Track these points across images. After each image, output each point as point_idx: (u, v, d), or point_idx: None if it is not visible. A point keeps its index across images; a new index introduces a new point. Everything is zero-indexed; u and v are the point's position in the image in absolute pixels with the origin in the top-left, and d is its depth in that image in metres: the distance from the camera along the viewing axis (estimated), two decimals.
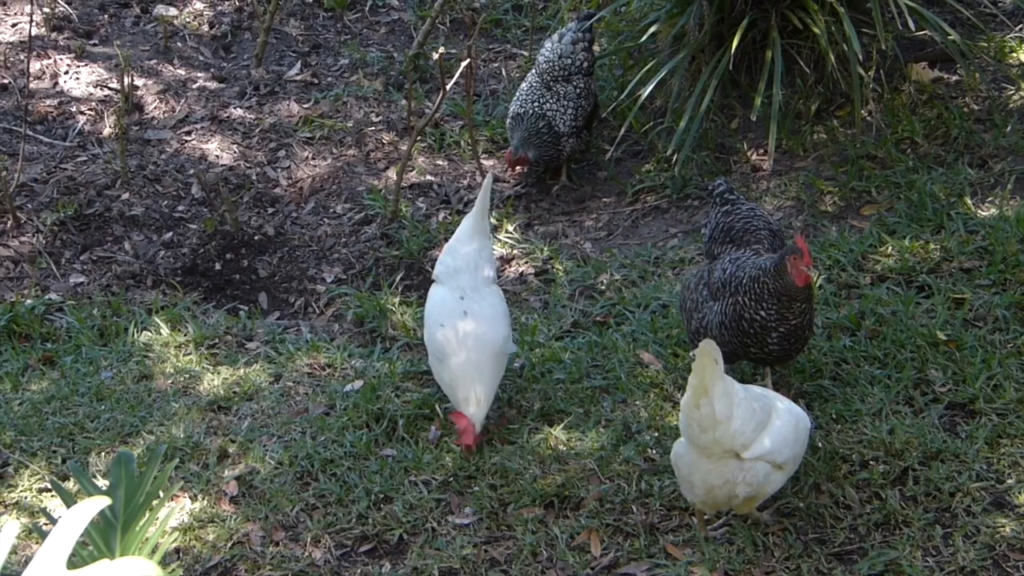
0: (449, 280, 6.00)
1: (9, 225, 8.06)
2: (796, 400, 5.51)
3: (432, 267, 6.40)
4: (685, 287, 6.00)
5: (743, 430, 4.83)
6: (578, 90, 7.96)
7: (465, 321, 5.83)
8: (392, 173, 8.31)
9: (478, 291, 5.96)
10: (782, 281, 5.40)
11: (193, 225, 8.15)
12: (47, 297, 7.55)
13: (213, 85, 9.37)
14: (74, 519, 2.44)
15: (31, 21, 8.97)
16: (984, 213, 6.99)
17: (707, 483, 4.93)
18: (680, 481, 5.10)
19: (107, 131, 8.91)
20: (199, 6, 10.13)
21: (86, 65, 9.51)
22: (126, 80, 8.93)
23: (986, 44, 8.20)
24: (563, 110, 7.91)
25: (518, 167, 8.05)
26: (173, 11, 10.06)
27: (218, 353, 6.89)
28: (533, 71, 8.12)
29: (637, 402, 6.01)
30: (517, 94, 8.12)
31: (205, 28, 9.96)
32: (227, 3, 10.19)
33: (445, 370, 5.83)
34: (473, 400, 5.69)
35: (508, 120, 8.07)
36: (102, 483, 5.53)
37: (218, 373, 6.62)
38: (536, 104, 7.95)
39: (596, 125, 8.27)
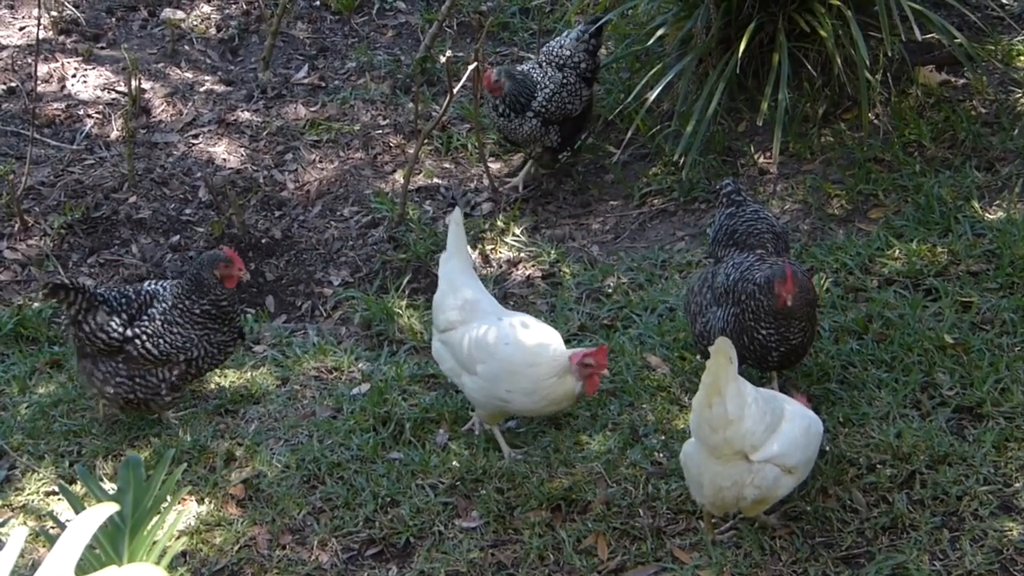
0: (473, 315, 5.79)
1: (16, 228, 8.08)
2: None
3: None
4: (690, 290, 6.01)
5: (753, 431, 4.82)
6: (564, 80, 7.96)
7: (525, 332, 5.69)
8: (399, 176, 8.32)
9: (507, 313, 5.88)
10: (771, 299, 5.44)
11: (200, 228, 8.16)
12: (54, 300, 7.56)
13: (220, 88, 9.38)
14: (82, 526, 2.44)
15: (39, 24, 8.98)
16: (991, 216, 6.98)
17: (715, 484, 4.93)
18: (689, 482, 5.10)
19: (114, 134, 8.93)
20: (206, 9, 10.15)
21: (93, 68, 9.52)
22: (133, 83, 8.95)
23: (993, 47, 8.19)
24: (541, 86, 7.92)
25: (493, 90, 7.92)
26: (180, 14, 10.07)
27: None
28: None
29: (644, 405, 6.00)
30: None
31: (212, 31, 9.97)
32: (234, 6, 10.20)
33: (525, 379, 5.61)
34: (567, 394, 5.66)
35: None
36: (109, 487, 5.54)
37: (225, 376, 6.63)
38: (530, 70, 8.03)
39: (584, 138, 8.28)
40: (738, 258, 5.79)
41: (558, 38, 8.17)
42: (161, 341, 6.04)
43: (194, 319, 6.09)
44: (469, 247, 7.60)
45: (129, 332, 6.03)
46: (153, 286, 6.20)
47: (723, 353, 4.72)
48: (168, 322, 6.06)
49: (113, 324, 6.02)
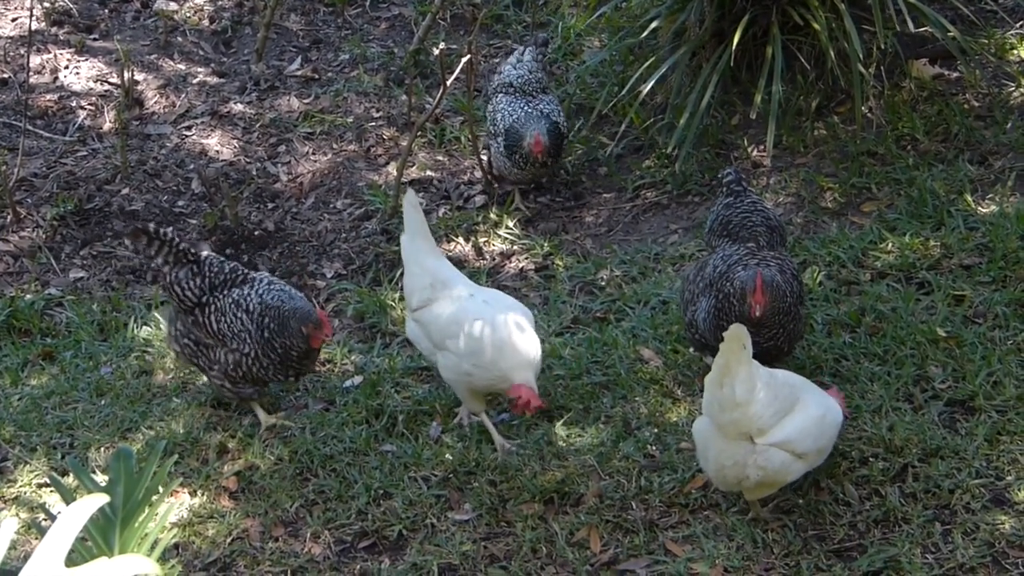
0: (443, 292, 5.81)
1: (9, 220, 8.06)
2: None
3: None
4: (684, 278, 6.02)
5: (761, 415, 4.85)
6: (551, 106, 7.90)
7: (493, 309, 5.71)
8: (392, 168, 8.31)
9: (479, 288, 5.91)
10: (742, 308, 5.44)
11: (193, 220, 8.14)
12: (47, 292, 7.56)
13: (213, 80, 9.37)
14: (72, 517, 2.43)
15: (31, 15, 8.96)
16: (984, 210, 6.99)
17: (719, 461, 4.97)
18: (698, 455, 5.14)
19: (107, 126, 8.91)
20: (199, 1, 10.13)
21: (86, 60, 9.50)
22: (126, 75, 8.93)
23: (986, 41, 8.20)
24: (554, 115, 7.81)
25: (543, 152, 7.66)
26: (173, 6, 10.05)
27: None
28: (501, 94, 7.98)
29: (637, 398, 6.00)
30: (498, 110, 7.90)
31: (206, 23, 9.96)
32: None
33: (490, 362, 5.62)
34: (527, 365, 5.62)
35: (503, 134, 7.78)
36: (101, 479, 5.53)
37: None
38: (531, 106, 7.83)
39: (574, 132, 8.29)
40: (729, 250, 5.78)
41: (516, 68, 7.95)
42: (223, 319, 5.99)
43: (261, 338, 5.97)
44: (462, 239, 7.62)
45: (204, 299, 6.01)
46: (260, 274, 6.16)
47: (736, 339, 4.75)
48: (238, 306, 6.00)
49: (190, 284, 5.99)
